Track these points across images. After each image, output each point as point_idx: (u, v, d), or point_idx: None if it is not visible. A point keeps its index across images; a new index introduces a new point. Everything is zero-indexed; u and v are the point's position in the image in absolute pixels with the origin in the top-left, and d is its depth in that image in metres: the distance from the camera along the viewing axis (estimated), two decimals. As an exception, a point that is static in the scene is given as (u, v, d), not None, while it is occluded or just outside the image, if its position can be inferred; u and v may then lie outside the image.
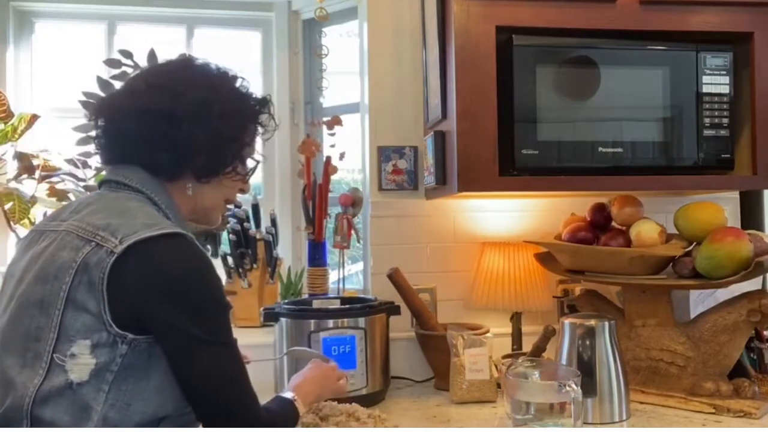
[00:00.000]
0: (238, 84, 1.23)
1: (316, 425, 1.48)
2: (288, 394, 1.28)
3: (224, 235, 2.16)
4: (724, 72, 1.74)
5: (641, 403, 1.66)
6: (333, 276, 2.11)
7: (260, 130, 1.27)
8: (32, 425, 0.99)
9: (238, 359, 1.10)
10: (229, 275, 2.17)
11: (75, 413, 0.99)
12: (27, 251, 1.12)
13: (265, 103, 1.27)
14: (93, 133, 1.21)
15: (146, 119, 1.13)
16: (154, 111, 1.13)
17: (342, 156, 2.13)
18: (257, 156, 1.29)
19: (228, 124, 1.18)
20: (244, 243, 2.14)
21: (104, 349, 1.00)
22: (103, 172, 2.11)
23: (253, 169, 1.29)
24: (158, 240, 1.03)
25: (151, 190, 1.15)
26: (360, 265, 2.31)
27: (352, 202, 2.10)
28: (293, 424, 1.25)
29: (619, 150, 1.70)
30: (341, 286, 2.10)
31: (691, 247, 1.71)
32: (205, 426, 1.09)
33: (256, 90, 1.28)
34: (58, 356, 1.00)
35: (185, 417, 1.09)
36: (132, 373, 1.02)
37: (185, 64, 1.23)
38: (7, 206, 2.13)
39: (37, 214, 2.17)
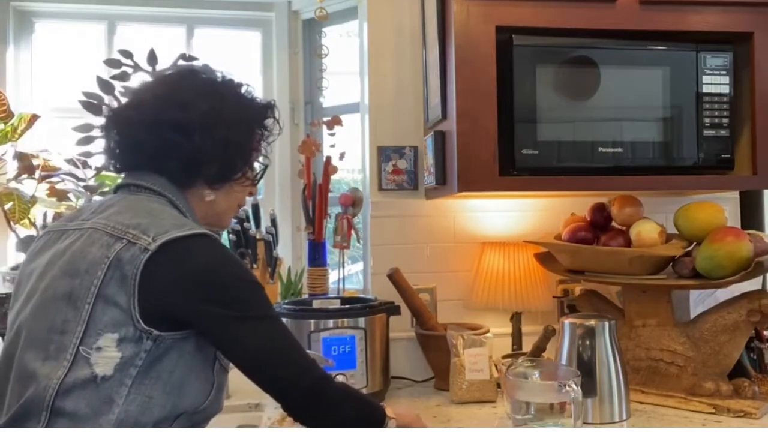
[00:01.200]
0: (243, 90, 1.26)
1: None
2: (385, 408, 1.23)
3: (224, 235, 2.16)
4: (724, 72, 1.74)
5: (641, 403, 1.66)
6: (333, 276, 2.11)
7: (266, 134, 1.29)
8: (51, 416, 1.01)
9: (284, 329, 1.14)
10: (229, 275, 2.17)
11: (96, 406, 1.01)
12: (46, 249, 1.14)
13: (270, 107, 1.29)
14: (104, 143, 1.24)
15: (156, 130, 1.16)
16: (163, 122, 1.15)
17: (342, 156, 2.13)
18: (264, 160, 1.32)
19: (236, 132, 1.21)
20: (244, 243, 2.14)
21: (130, 344, 1.03)
22: (104, 173, 2.13)
23: (262, 173, 1.33)
24: (188, 239, 1.07)
25: (171, 194, 1.18)
26: (360, 265, 2.32)
27: (352, 202, 2.10)
28: (371, 411, 1.19)
29: (619, 150, 1.70)
30: (341, 286, 2.09)
31: (691, 247, 1.71)
32: (279, 399, 1.12)
33: (258, 92, 1.30)
34: (84, 349, 1.02)
35: (199, 415, 1.12)
36: (155, 368, 1.05)
37: (191, 73, 1.25)
38: (7, 206, 2.13)
39: (37, 214, 2.16)
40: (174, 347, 1.06)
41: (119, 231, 1.07)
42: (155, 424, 1.04)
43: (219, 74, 1.25)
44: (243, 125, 1.23)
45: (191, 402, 1.09)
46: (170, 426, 1.07)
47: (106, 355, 1.02)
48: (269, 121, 1.29)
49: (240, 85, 1.26)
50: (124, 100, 1.28)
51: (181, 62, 2.05)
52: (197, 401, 1.10)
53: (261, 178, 1.33)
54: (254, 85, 1.30)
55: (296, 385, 1.10)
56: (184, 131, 1.15)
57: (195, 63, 1.32)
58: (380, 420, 1.19)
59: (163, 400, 1.05)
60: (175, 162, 1.17)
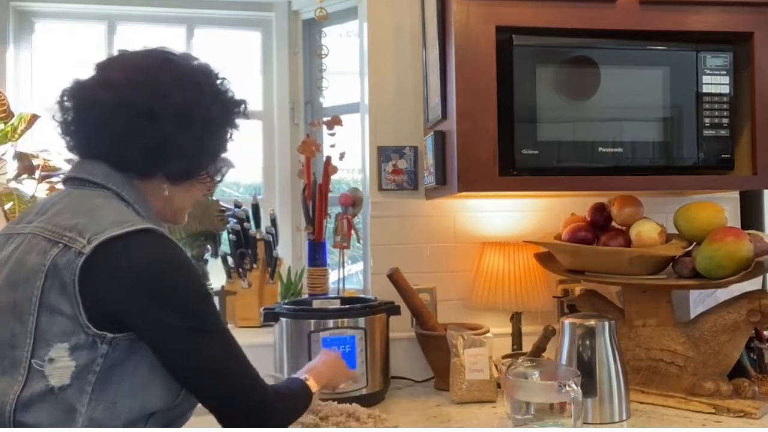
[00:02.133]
0: (219, 84, 1.19)
1: (315, 425, 1.48)
2: (300, 375, 1.31)
3: (224, 235, 2.16)
4: (724, 72, 1.74)
5: (641, 403, 1.66)
6: (333, 276, 2.11)
7: (234, 132, 1.22)
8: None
9: (230, 344, 1.09)
10: (229, 275, 2.17)
11: (59, 416, 0.97)
12: None
13: (242, 104, 1.22)
14: (59, 119, 1.16)
15: (124, 115, 1.08)
16: (133, 108, 1.08)
17: (342, 156, 2.13)
18: (229, 159, 1.26)
19: (209, 129, 1.15)
20: (244, 243, 2.14)
21: (83, 351, 0.98)
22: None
23: (225, 172, 1.27)
24: (128, 237, 1.00)
25: (116, 185, 1.10)
26: (360, 265, 2.31)
27: (352, 202, 2.10)
28: (306, 403, 1.27)
29: (619, 150, 1.70)
30: (341, 286, 2.09)
31: (691, 247, 1.71)
32: (216, 414, 1.09)
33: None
34: (37, 362, 0.97)
35: (173, 411, 1.07)
36: (115, 371, 1.00)
37: (167, 59, 1.16)
38: (7, 206, 2.12)
39: (37, 214, 2.16)
40: (133, 348, 1.01)
41: (56, 234, 1.01)
42: (125, 426, 1.00)
43: (196, 64, 1.17)
44: (216, 122, 1.17)
45: (161, 402, 1.04)
46: (145, 425, 1.03)
47: (60, 365, 0.97)
48: (239, 120, 1.22)
49: (217, 77, 1.18)
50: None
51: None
52: (167, 399, 1.04)
53: (223, 178, 1.28)
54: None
55: (238, 403, 1.06)
56: (153, 120, 1.08)
57: (168, 49, 1.19)
58: (309, 394, 1.27)
59: (129, 403, 1.00)
60: (139, 152, 1.09)
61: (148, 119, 1.08)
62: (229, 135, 1.21)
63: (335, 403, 1.56)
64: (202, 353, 1.04)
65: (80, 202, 1.07)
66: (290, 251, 2.40)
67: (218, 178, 1.25)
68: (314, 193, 2.09)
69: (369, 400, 1.67)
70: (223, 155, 1.22)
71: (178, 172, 1.14)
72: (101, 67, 1.16)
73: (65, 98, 1.14)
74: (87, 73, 1.16)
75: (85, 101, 1.12)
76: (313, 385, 1.29)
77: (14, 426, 0.97)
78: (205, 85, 1.15)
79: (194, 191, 1.22)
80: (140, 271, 1.00)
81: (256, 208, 2.21)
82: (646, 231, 1.73)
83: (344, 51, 2.40)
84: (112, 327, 0.99)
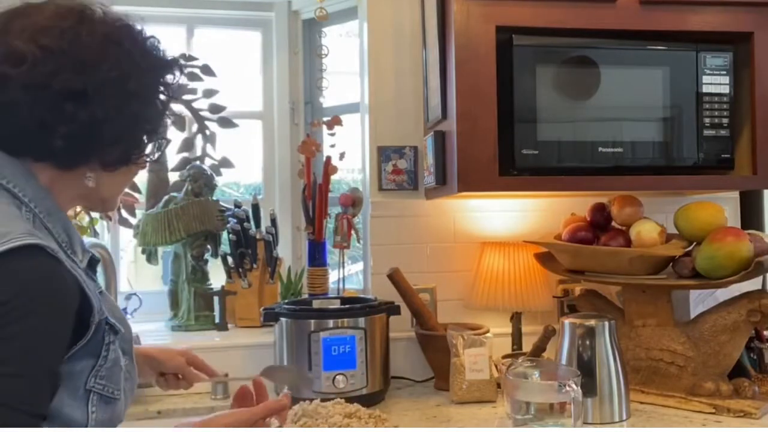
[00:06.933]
0: (147, 41, 0.99)
1: (315, 425, 1.48)
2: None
3: (224, 235, 2.16)
4: (724, 72, 1.74)
5: (641, 403, 1.66)
6: (333, 276, 2.11)
7: (172, 99, 1.04)
8: None
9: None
10: (229, 275, 2.17)
11: None
12: None
13: (177, 64, 1.03)
14: None
15: (43, 97, 0.86)
16: (54, 87, 0.87)
17: (342, 156, 2.13)
18: (165, 130, 1.06)
19: (145, 102, 0.96)
20: (244, 243, 2.14)
21: None
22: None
23: (164, 147, 1.07)
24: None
25: (9, 179, 0.88)
26: (360, 265, 2.32)
27: (352, 202, 2.10)
28: None
29: (619, 150, 1.70)
30: (341, 286, 2.09)
31: (691, 247, 1.71)
32: None
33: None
34: None
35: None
36: None
37: (84, 15, 0.93)
38: None
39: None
40: None
41: None
42: None
43: (114, 17, 0.98)
44: (151, 92, 0.97)
45: None
46: None
47: None
48: (173, 83, 1.02)
49: (142, 33, 0.99)
50: None
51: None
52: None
53: (162, 152, 1.07)
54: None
55: None
56: (81, 101, 0.87)
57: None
58: None
59: None
60: (61, 141, 0.88)
61: (75, 101, 0.88)
62: (165, 103, 1.01)
63: (338, 404, 1.56)
64: None
65: None
66: (290, 251, 2.40)
67: (156, 156, 1.04)
68: (314, 193, 2.09)
69: (369, 400, 1.67)
70: (165, 127, 1.04)
71: (114, 159, 0.95)
72: (3, 30, 0.90)
73: None
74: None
75: None
76: None
77: None
78: (132, 48, 0.96)
79: (129, 175, 1.03)
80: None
81: (256, 208, 2.21)
82: (646, 231, 1.73)
83: (344, 51, 2.40)
84: None
